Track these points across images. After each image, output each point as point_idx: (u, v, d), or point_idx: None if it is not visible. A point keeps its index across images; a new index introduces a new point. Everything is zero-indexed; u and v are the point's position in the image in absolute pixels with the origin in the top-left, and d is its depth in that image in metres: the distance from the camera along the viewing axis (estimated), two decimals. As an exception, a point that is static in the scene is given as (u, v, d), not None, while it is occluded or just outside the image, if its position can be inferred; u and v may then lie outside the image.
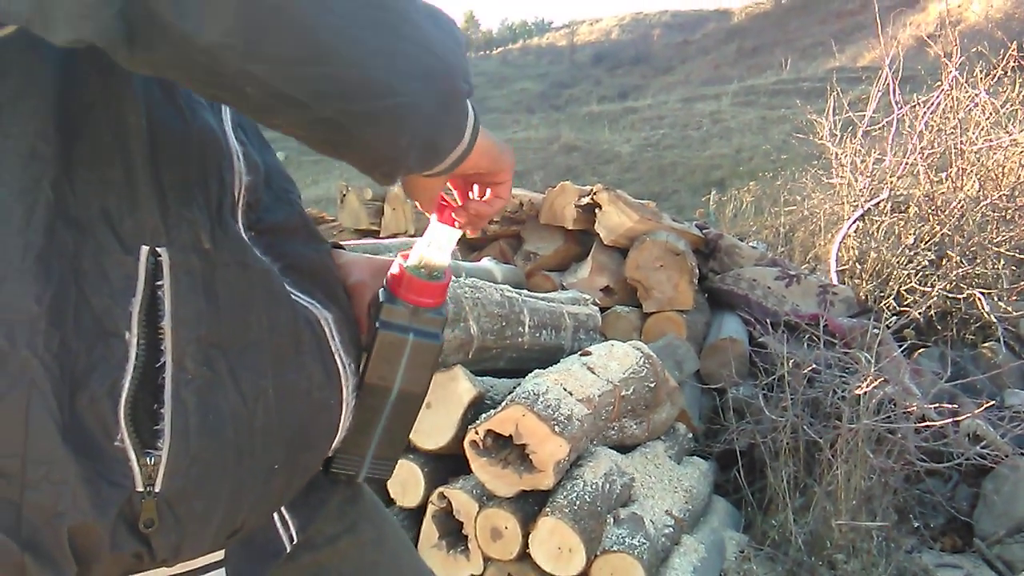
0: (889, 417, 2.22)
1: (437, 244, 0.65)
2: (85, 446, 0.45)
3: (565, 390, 1.74)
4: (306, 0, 0.39)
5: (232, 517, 0.53)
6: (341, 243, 0.76)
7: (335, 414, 0.60)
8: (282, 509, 0.63)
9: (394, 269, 0.66)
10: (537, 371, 1.87)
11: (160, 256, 0.49)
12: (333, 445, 0.63)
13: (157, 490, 0.47)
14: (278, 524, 0.63)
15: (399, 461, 1.91)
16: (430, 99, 0.48)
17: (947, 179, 4.23)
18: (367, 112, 0.45)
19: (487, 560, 1.72)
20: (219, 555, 0.56)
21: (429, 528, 1.79)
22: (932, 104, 4.51)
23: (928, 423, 2.26)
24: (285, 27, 0.39)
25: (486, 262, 3.00)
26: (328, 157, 0.51)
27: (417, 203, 0.65)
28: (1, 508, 0.43)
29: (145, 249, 0.48)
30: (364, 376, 0.63)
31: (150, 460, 0.47)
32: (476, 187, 0.67)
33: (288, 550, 0.63)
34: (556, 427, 1.61)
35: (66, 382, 0.45)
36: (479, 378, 1.88)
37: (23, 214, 0.44)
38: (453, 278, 1.98)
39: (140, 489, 0.47)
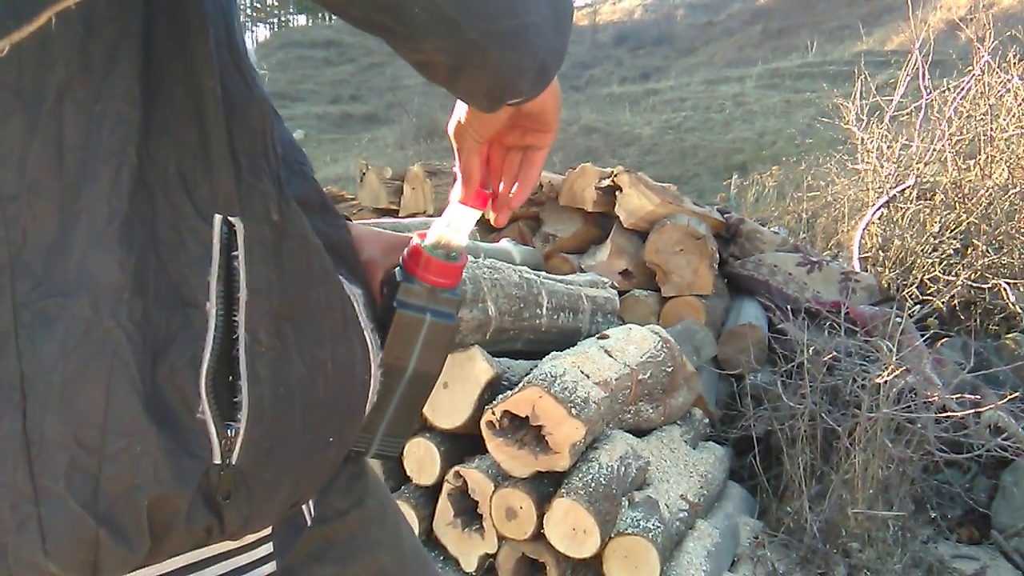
0: (909, 407, 2.20)
1: (456, 225, 0.65)
2: (167, 418, 0.45)
3: (582, 373, 1.74)
4: None
5: (296, 488, 0.54)
6: (349, 217, 0.75)
7: (368, 388, 0.61)
8: None
9: (411, 248, 0.65)
10: (554, 353, 1.86)
11: (234, 226, 0.48)
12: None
13: (233, 462, 0.47)
14: None
15: (415, 440, 1.92)
16: (551, 19, 0.49)
17: (975, 166, 4.15)
18: (506, 31, 0.46)
19: (501, 539, 1.73)
20: (267, 530, 0.57)
21: (444, 506, 1.81)
22: (962, 89, 4.41)
23: (949, 413, 2.24)
24: None
25: (505, 243, 2.99)
26: (442, 87, 0.51)
27: (463, 145, 0.64)
28: (79, 481, 0.42)
29: (219, 218, 0.47)
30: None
31: (230, 432, 0.47)
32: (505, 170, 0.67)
33: (309, 524, 0.64)
34: (572, 409, 1.61)
35: (148, 353, 0.44)
36: (496, 359, 1.88)
37: (109, 179, 0.43)
38: (471, 259, 1.98)
39: (217, 462, 0.47)
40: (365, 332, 0.60)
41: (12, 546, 0.42)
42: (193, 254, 0.47)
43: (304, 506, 0.63)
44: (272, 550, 0.58)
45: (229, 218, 0.48)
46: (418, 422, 1.84)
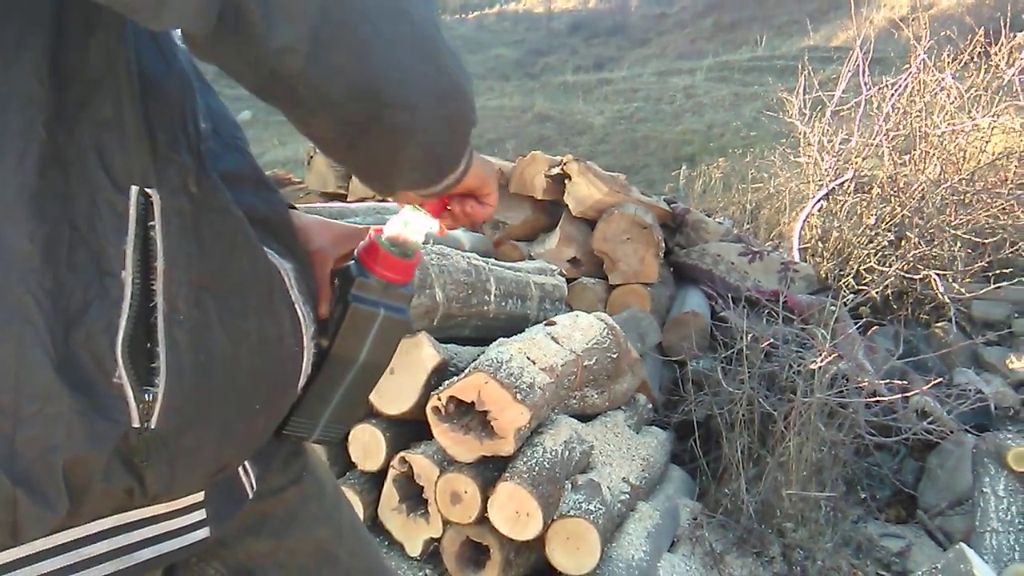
0: (842, 392, 2.28)
1: (414, 225, 0.66)
2: (80, 382, 0.46)
3: (528, 359, 1.76)
4: (364, 21, 0.44)
5: (220, 454, 0.55)
6: (294, 204, 0.75)
7: (299, 361, 0.62)
8: None
9: (368, 243, 0.67)
10: (501, 339, 1.88)
11: (151, 197, 0.49)
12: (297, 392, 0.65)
13: (152, 426, 0.49)
14: (240, 471, 0.64)
15: (361, 426, 1.91)
16: (441, 118, 0.52)
17: (910, 161, 4.31)
18: (390, 122, 0.49)
19: (446, 523, 1.74)
20: (200, 496, 0.58)
21: (390, 492, 1.81)
22: (900, 86, 4.57)
23: (879, 398, 2.33)
24: (346, 41, 0.44)
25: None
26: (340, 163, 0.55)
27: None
28: None
29: (135, 189, 0.49)
30: (331, 347, 0.64)
31: (148, 397, 0.48)
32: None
33: (251, 497, 0.65)
34: (518, 395, 1.63)
35: (60, 319, 0.45)
36: (443, 345, 1.89)
37: (17, 156, 0.45)
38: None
39: (136, 425, 0.48)
40: (296, 305, 0.61)
41: None
42: (110, 225, 0.48)
43: (245, 477, 0.64)
44: (205, 516, 0.58)
45: (146, 189, 0.49)
46: (363, 410, 1.83)
